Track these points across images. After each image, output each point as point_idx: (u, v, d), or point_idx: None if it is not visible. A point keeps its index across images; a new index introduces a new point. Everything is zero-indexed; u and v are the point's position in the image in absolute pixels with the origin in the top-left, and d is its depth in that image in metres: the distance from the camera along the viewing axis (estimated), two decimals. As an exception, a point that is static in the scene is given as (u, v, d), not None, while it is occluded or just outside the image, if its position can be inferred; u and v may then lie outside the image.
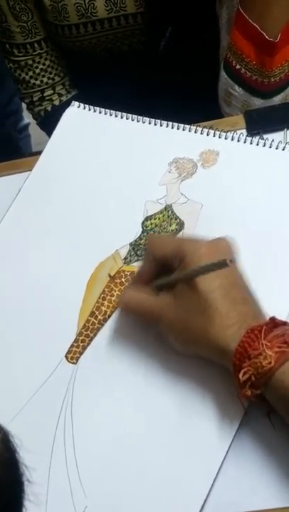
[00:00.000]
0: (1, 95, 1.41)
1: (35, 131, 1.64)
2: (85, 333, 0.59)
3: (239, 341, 0.48)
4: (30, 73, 1.01)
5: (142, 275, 0.58)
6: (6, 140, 1.49)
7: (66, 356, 0.58)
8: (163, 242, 0.57)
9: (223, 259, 0.49)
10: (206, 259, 0.52)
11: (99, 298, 0.61)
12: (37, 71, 1.00)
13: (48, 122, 0.98)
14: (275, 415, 0.50)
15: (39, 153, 0.73)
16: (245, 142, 0.67)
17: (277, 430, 0.50)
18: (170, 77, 0.95)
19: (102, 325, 0.60)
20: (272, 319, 0.50)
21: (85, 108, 0.74)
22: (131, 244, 0.64)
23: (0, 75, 1.17)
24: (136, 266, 0.61)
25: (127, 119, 0.72)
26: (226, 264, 0.49)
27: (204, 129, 0.69)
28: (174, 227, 0.64)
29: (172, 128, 0.70)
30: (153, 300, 0.55)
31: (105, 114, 0.73)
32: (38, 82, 1.01)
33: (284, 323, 0.49)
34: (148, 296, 0.56)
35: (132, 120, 0.71)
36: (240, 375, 0.48)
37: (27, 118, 1.60)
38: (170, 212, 0.65)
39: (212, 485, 0.50)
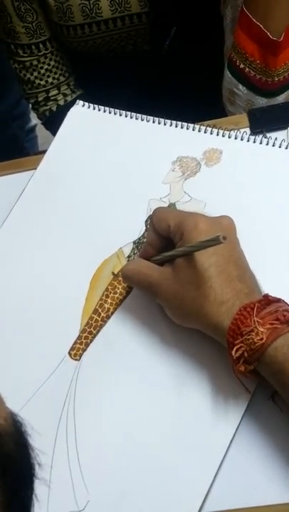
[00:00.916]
0: (8, 98, 1.41)
1: (41, 131, 1.64)
2: (88, 330, 0.60)
3: (232, 318, 0.49)
4: (35, 73, 1.01)
5: (147, 248, 0.58)
6: (12, 142, 1.49)
7: (69, 353, 0.59)
8: (165, 216, 0.57)
9: (216, 236, 0.49)
10: (205, 235, 0.52)
11: (102, 295, 0.61)
12: (42, 71, 1.01)
13: (53, 122, 0.99)
14: (280, 398, 0.50)
15: (44, 152, 0.73)
16: (248, 141, 0.68)
17: (283, 410, 0.51)
18: (174, 76, 0.95)
19: (105, 322, 0.60)
20: (266, 296, 0.50)
21: (89, 107, 0.74)
22: (134, 243, 0.64)
23: (7, 77, 1.17)
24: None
25: (131, 117, 0.72)
26: (219, 240, 0.48)
27: (208, 128, 0.69)
28: (177, 225, 0.64)
29: (176, 127, 0.70)
30: (152, 273, 0.56)
31: (109, 113, 0.73)
32: (43, 83, 1.02)
33: (277, 300, 0.50)
34: (148, 268, 0.56)
35: (136, 119, 0.72)
36: (233, 352, 0.48)
37: (34, 119, 1.60)
38: (173, 210, 0.65)
39: (214, 478, 0.50)
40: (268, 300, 0.50)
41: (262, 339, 0.47)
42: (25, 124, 1.59)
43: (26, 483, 0.34)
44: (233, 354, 0.49)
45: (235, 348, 0.48)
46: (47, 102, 1.03)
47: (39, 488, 0.52)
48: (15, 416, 0.36)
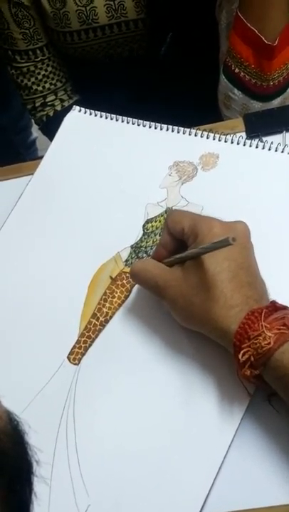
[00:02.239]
0: (11, 111, 1.41)
1: (43, 145, 1.63)
2: (86, 334, 0.60)
3: (240, 323, 0.49)
4: (33, 79, 1.02)
5: (160, 250, 0.58)
6: (13, 156, 1.48)
7: (68, 357, 0.59)
8: (180, 218, 0.57)
9: (225, 237, 0.48)
10: (219, 239, 0.51)
11: (100, 299, 0.62)
12: (39, 77, 1.02)
13: (51, 128, 0.99)
14: (277, 399, 0.50)
15: (41, 157, 0.74)
16: (244, 145, 0.68)
17: (282, 414, 0.51)
18: (170, 81, 0.96)
19: (104, 326, 0.60)
20: (273, 303, 0.51)
21: (86, 112, 0.75)
22: (132, 247, 0.64)
23: (10, 90, 1.17)
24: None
25: (127, 123, 0.72)
26: (228, 242, 0.48)
27: (204, 133, 0.69)
28: (174, 229, 0.64)
29: (172, 131, 0.71)
30: (160, 273, 0.56)
31: (106, 118, 0.73)
32: (40, 88, 1.02)
33: (284, 307, 0.50)
34: (156, 268, 0.56)
35: (133, 124, 0.72)
36: (240, 356, 0.49)
37: (35, 132, 1.59)
38: (170, 214, 0.65)
39: (214, 481, 0.51)
40: (274, 306, 0.50)
41: (269, 343, 0.47)
42: (28, 137, 1.59)
43: (24, 481, 0.35)
44: (240, 358, 0.49)
45: (242, 352, 0.49)
46: (44, 108, 1.04)
47: (39, 492, 0.53)
48: (11, 414, 0.36)
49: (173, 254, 0.57)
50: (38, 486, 0.53)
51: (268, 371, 0.48)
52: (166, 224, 0.57)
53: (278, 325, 0.48)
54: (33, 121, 1.10)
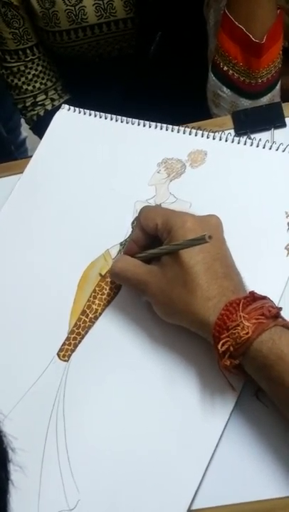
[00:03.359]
0: (1, 111, 1.41)
1: (33, 144, 1.64)
2: (76, 331, 0.60)
3: (218, 314, 0.50)
4: (23, 79, 1.02)
5: (132, 246, 0.59)
6: (5, 155, 1.48)
7: (58, 354, 0.59)
8: (152, 214, 0.57)
9: (202, 235, 0.49)
10: (192, 233, 0.53)
11: (90, 297, 0.62)
12: (29, 77, 1.02)
13: (41, 127, 0.99)
14: (265, 394, 0.51)
15: (30, 156, 0.74)
16: (233, 142, 0.68)
17: (270, 408, 0.51)
18: (159, 80, 0.96)
19: (93, 323, 0.60)
20: (252, 293, 0.51)
21: (74, 111, 0.75)
22: (121, 244, 0.64)
23: (1, 89, 1.17)
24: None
25: (116, 120, 0.73)
26: (204, 240, 0.49)
27: (192, 130, 0.70)
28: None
29: (161, 129, 0.71)
30: (140, 271, 0.56)
31: (95, 116, 0.74)
32: (30, 88, 1.02)
33: (263, 298, 0.51)
34: (136, 266, 0.57)
35: (122, 122, 0.72)
36: (219, 346, 0.49)
37: (24, 131, 1.60)
38: (159, 211, 0.65)
39: (204, 475, 0.51)
40: (253, 297, 0.51)
41: (248, 333, 0.48)
42: (17, 137, 1.59)
43: (0, 467, 0.35)
44: (219, 348, 0.49)
45: (221, 343, 0.49)
46: (34, 107, 1.04)
47: (29, 487, 0.53)
48: None
49: (144, 249, 0.58)
50: (28, 482, 0.53)
51: (248, 361, 0.49)
52: (139, 221, 0.58)
53: (256, 315, 0.49)
54: (22, 120, 1.10)
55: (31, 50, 1.00)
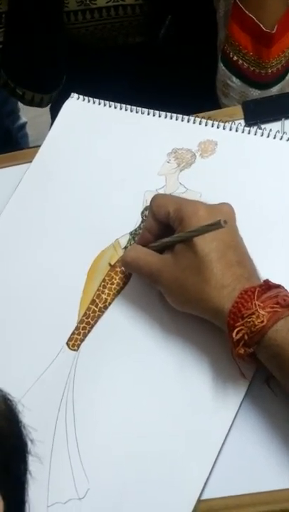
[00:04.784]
0: None
1: (32, 130, 1.65)
2: (86, 320, 0.60)
3: (233, 302, 0.50)
4: None
5: (146, 235, 0.59)
6: (6, 136, 1.49)
7: (67, 343, 0.59)
8: (165, 202, 0.57)
9: (217, 220, 0.49)
10: (205, 221, 0.52)
11: (99, 286, 0.62)
12: None
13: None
14: (276, 382, 0.50)
15: (39, 145, 0.74)
16: (243, 132, 0.68)
17: (278, 395, 0.51)
18: (168, 68, 0.95)
19: (103, 312, 0.60)
20: (266, 282, 0.51)
21: (84, 100, 0.74)
22: (131, 234, 0.64)
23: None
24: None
25: (126, 110, 0.72)
26: (220, 224, 0.49)
27: (203, 120, 0.69)
28: (173, 216, 0.64)
29: (171, 119, 0.70)
30: (153, 260, 0.56)
31: (104, 105, 0.73)
32: None
33: (277, 286, 0.51)
34: (148, 255, 0.57)
35: (131, 111, 0.72)
36: (234, 334, 0.49)
37: (24, 117, 1.61)
38: (169, 201, 0.65)
39: (214, 464, 0.51)
40: (268, 285, 0.50)
41: (262, 322, 0.48)
42: (15, 121, 1.59)
43: (19, 459, 0.35)
44: (234, 336, 0.49)
45: (235, 331, 0.49)
46: None
47: (39, 477, 0.53)
48: (4, 393, 0.37)
49: (158, 238, 0.58)
50: (38, 471, 0.53)
51: (262, 349, 0.49)
52: (151, 208, 0.58)
53: (272, 303, 0.49)
54: (20, 105, 1.09)
55: None
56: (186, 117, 0.70)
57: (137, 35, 0.96)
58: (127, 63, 0.96)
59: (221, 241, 0.53)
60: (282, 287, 0.51)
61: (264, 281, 0.51)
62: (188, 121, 0.70)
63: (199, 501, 0.50)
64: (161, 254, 0.57)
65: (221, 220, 0.49)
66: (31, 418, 0.50)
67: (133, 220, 0.65)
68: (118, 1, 0.91)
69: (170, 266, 0.54)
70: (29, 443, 0.36)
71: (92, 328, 0.60)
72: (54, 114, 0.79)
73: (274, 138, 0.67)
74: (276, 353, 0.48)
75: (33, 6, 0.86)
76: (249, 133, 0.68)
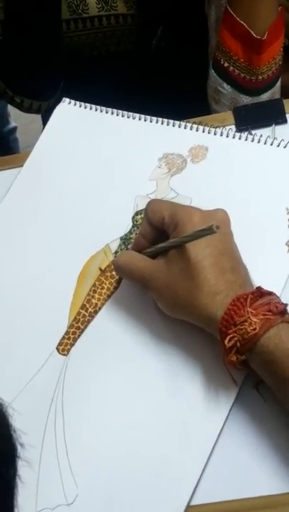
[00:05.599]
0: None
1: (22, 135, 1.65)
2: (76, 325, 0.60)
3: (226, 309, 0.50)
4: None
5: (140, 240, 0.58)
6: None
7: (57, 348, 0.59)
8: (159, 207, 0.57)
9: (209, 225, 0.49)
10: (199, 227, 0.52)
11: (90, 291, 0.61)
12: None
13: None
14: (265, 387, 0.51)
15: (29, 150, 0.73)
16: (234, 138, 0.68)
17: (267, 401, 0.51)
18: (160, 75, 0.96)
19: (93, 317, 0.60)
20: (259, 289, 0.51)
21: (75, 104, 0.74)
22: (121, 239, 0.64)
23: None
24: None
25: (117, 115, 0.72)
26: (212, 230, 0.49)
27: (193, 125, 0.69)
28: (163, 221, 0.64)
29: (162, 124, 0.71)
30: (145, 264, 0.56)
31: (96, 110, 0.73)
32: None
33: (270, 293, 0.51)
34: (140, 260, 0.57)
35: (122, 116, 0.72)
36: (226, 341, 0.49)
37: (13, 122, 1.61)
38: (160, 206, 0.65)
39: (203, 470, 0.51)
40: (260, 292, 0.50)
41: (255, 329, 0.48)
42: (4, 126, 1.59)
43: (8, 463, 0.35)
44: (226, 344, 0.49)
45: (228, 338, 0.49)
46: None
47: (28, 481, 0.52)
48: None
49: (153, 244, 0.58)
50: (27, 476, 0.53)
51: (254, 357, 0.49)
52: (146, 214, 0.58)
53: (264, 311, 0.49)
54: (9, 110, 1.09)
55: None
56: (177, 122, 0.70)
57: (129, 43, 0.96)
58: (119, 69, 0.97)
59: (214, 247, 0.53)
60: (275, 294, 0.51)
61: (256, 288, 0.51)
62: (179, 127, 0.70)
63: (188, 507, 0.50)
64: (152, 260, 0.57)
65: (213, 225, 0.49)
66: (21, 422, 0.50)
67: (124, 225, 0.65)
68: (110, 10, 0.92)
69: (162, 271, 0.54)
70: (19, 447, 0.36)
71: (82, 332, 0.59)
72: (45, 120, 0.79)
73: (264, 143, 0.67)
74: (268, 360, 0.48)
75: (31, 12, 0.86)
76: (240, 138, 0.68)
